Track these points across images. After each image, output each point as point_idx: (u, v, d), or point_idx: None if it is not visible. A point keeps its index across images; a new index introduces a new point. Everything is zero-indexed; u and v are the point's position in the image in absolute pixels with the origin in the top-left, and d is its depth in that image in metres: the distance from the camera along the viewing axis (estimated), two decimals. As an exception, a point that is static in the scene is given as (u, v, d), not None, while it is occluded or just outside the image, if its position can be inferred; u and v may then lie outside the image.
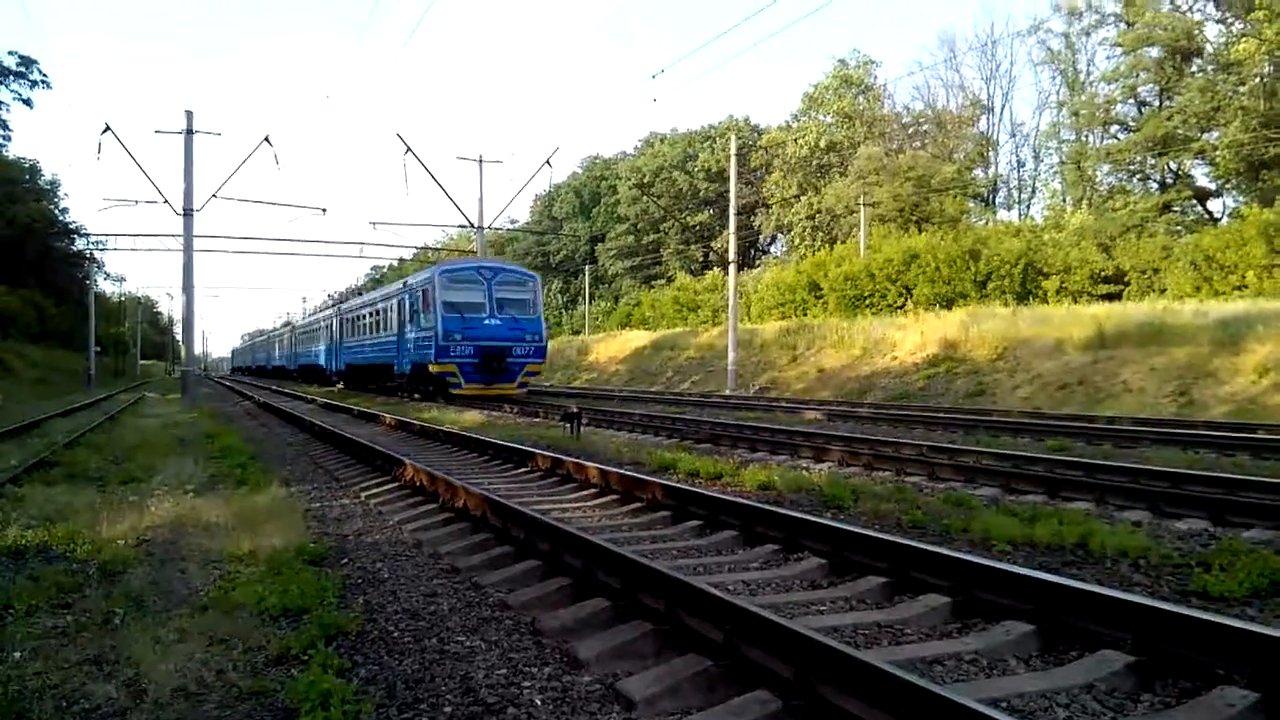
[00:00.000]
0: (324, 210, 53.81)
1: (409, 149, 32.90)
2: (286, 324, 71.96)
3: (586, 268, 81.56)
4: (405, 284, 31.15)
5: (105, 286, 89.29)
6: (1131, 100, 49.52)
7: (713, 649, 4.22)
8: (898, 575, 5.69)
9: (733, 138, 42.56)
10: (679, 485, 8.97)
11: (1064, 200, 53.33)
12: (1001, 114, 60.60)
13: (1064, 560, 6.30)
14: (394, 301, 32.06)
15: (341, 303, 49.70)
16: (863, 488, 9.32)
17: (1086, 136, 52.81)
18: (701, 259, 72.42)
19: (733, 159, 38.18)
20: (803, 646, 3.78)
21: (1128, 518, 7.59)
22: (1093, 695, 3.87)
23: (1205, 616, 4.17)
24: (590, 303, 79.77)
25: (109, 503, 8.83)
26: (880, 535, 6.26)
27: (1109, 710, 3.75)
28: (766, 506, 7.55)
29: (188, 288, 30.95)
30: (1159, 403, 20.78)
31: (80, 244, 65.11)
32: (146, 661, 4.36)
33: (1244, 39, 40.10)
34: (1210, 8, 47.00)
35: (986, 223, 54.06)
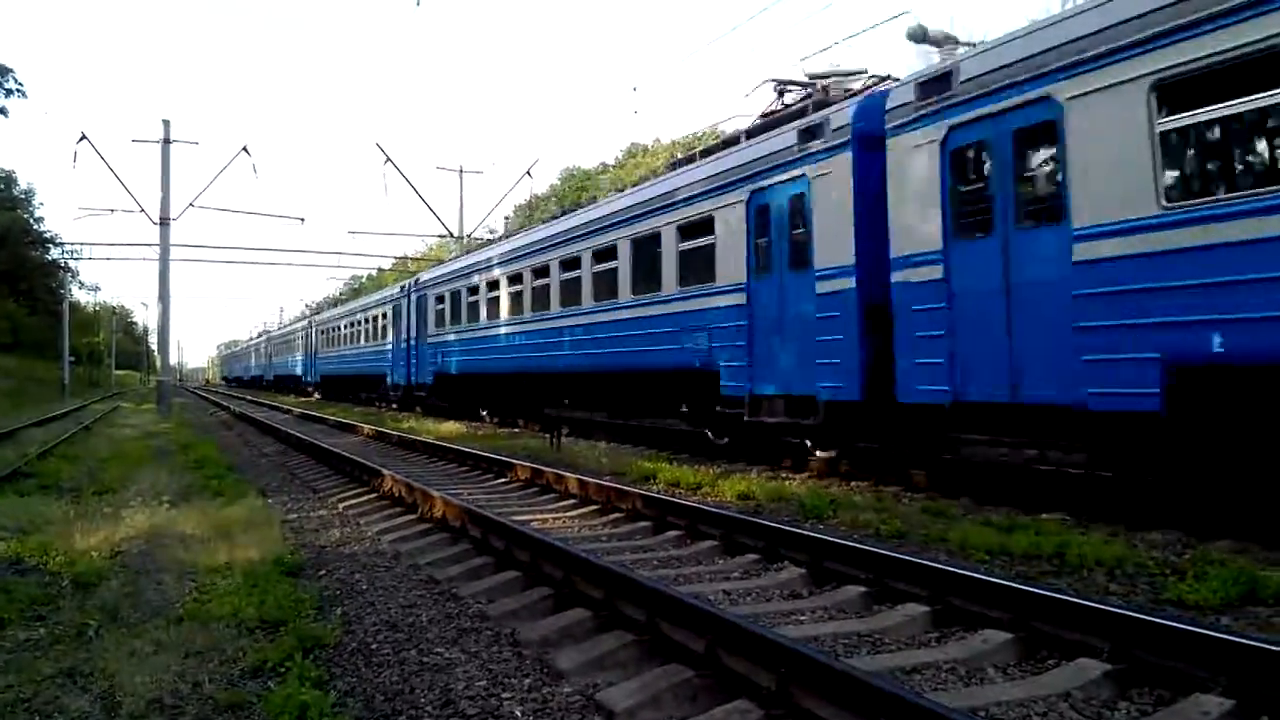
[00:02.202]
0: (302, 220, 53.66)
1: (388, 159, 32.85)
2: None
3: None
4: None
5: (80, 296, 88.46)
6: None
7: (694, 659, 4.22)
8: (877, 585, 5.72)
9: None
10: (659, 496, 8.96)
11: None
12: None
13: (1041, 569, 6.34)
14: None
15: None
16: (842, 498, 9.36)
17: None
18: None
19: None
20: (783, 656, 3.78)
21: (1103, 527, 7.64)
22: (1070, 703, 3.90)
23: (1181, 625, 4.21)
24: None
25: (83, 514, 8.73)
26: (859, 545, 6.28)
27: (1087, 718, 3.78)
28: (746, 517, 7.58)
29: (163, 297, 30.71)
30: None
31: (55, 253, 64.41)
32: (121, 674, 4.31)
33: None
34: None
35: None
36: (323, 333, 47.46)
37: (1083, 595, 5.17)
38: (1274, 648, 3.81)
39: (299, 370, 55.06)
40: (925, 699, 3.36)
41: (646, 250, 14.84)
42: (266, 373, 67.19)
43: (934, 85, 9.47)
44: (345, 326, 41.62)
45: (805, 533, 6.80)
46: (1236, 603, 5.29)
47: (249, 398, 51.87)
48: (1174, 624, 4.22)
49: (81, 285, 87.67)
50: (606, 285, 16.23)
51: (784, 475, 11.58)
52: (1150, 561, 6.37)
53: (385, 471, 10.94)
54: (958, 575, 5.33)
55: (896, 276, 9.71)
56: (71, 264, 65.87)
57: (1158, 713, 3.80)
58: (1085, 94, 7.74)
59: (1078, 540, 6.80)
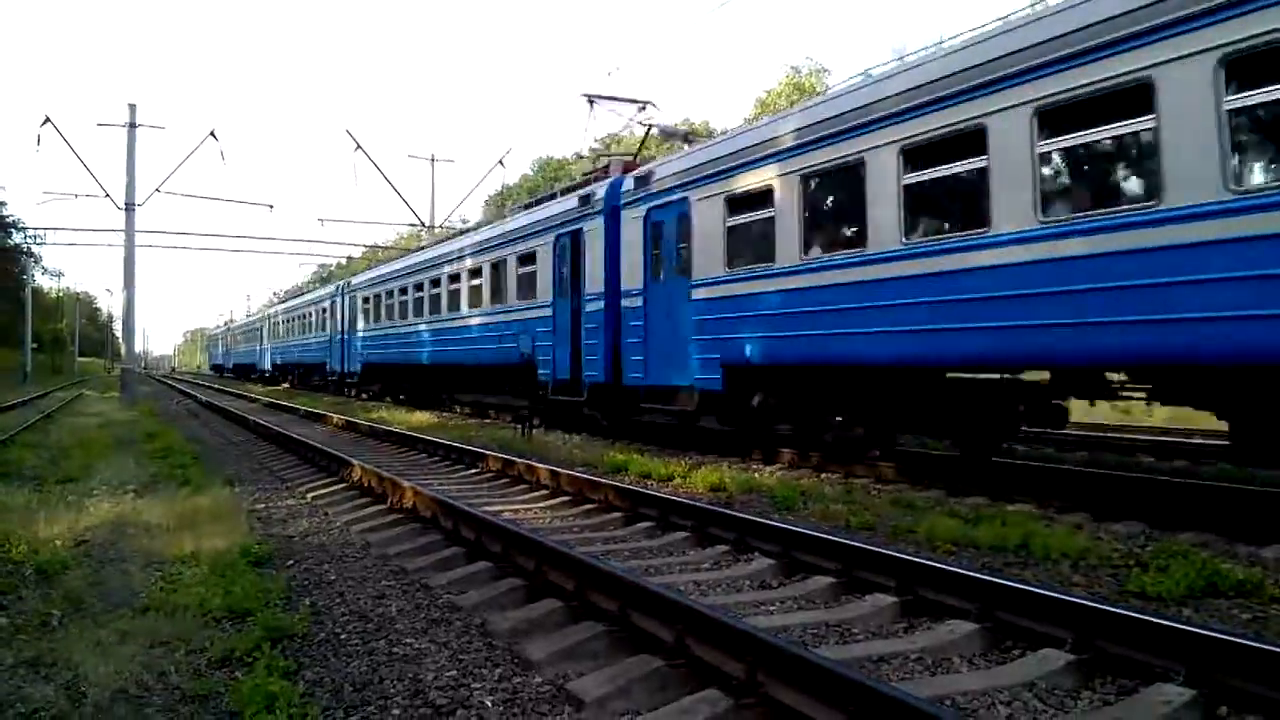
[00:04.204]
0: (271, 207, 53.15)
1: (358, 146, 32.54)
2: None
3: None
4: None
5: (43, 282, 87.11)
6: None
7: (664, 649, 4.23)
8: (846, 575, 5.77)
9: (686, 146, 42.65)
10: (631, 487, 8.98)
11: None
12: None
13: (1006, 561, 6.42)
14: None
15: None
16: (812, 489, 9.42)
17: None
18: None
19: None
20: (752, 646, 3.81)
21: (1068, 519, 7.75)
22: (1034, 693, 3.95)
23: (1143, 616, 4.28)
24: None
25: (46, 502, 8.61)
26: (829, 536, 6.33)
27: (1050, 708, 3.83)
28: (718, 508, 7.60)
29: (128, 284, 30.24)
30: (1098, 408, 21.18)
31: (17, 238, 63.27)
32: (86, 664, 4.26)
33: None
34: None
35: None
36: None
37: (1047, 586, 5.23)
38: (1234, 639, 3.88)
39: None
40: (891, 688, 3.40)
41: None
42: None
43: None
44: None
45: (775, 524, 6.83)
46: (1198, 594, 5.38)
47: (216, 386, 51.24)
48: (1136, 615, 4.29)
49: (44, 271, 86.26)
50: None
51: (755, 467, 11.63)
52: (1114, 553, 6.47)
53: (355, 461, 10.88)
54: (925, 566, 5.38)
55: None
56: (34, 249, 64.83)
57: (1119, 702, 3.86)
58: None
59: (1043, 532, 6.89)
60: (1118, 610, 4.38)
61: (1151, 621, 4.16)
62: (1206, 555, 6.05)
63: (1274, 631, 4.76)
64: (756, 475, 10.57)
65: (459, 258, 22.29)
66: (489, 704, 3.85)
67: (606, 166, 17.54)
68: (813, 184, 10.83)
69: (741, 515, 7.24)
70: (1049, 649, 4.33)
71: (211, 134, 29.69)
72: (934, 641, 4.61)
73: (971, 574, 5.15)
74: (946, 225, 9.46)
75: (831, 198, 11.07)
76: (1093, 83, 7.59)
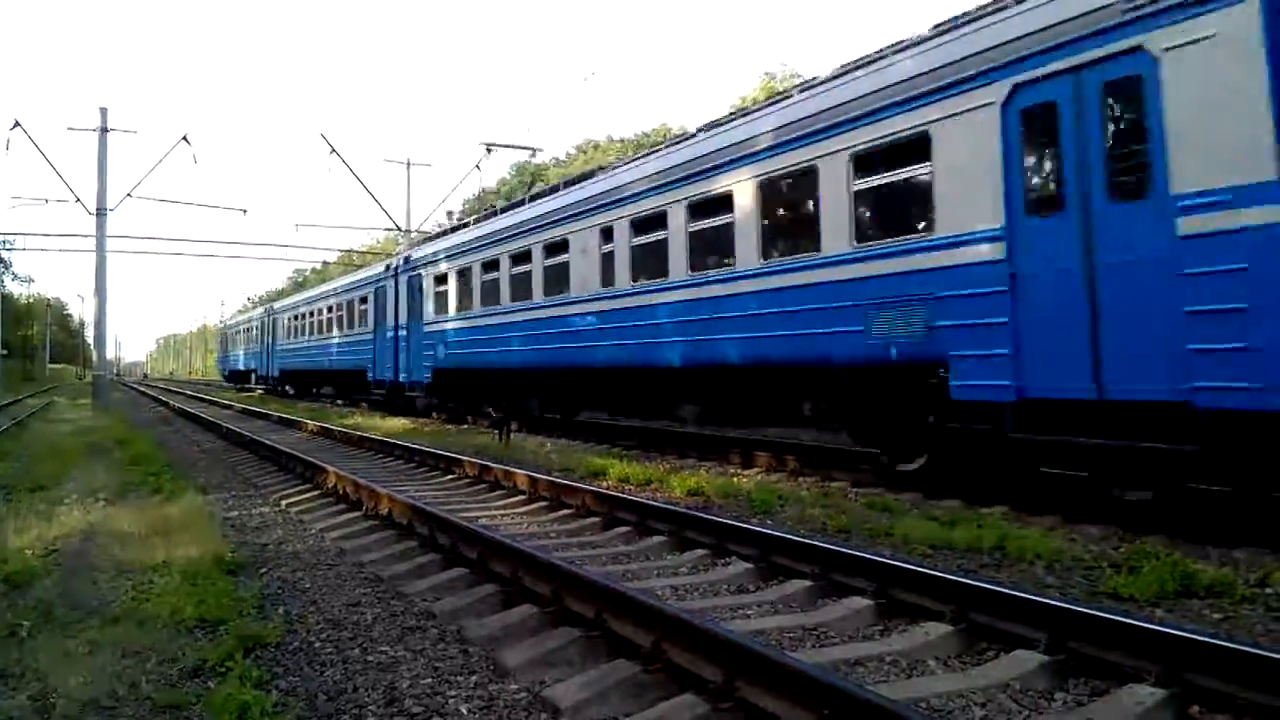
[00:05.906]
0: (245, 211, 52.74)
1: (333, 150, 32.38)
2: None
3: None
4: None
5: (13, 288, 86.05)
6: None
7: (641, 654, 4.22)
8: (823, 579, 5.77)
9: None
10: (609, 492, 8.96)
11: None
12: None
13: (981, 563, 6.46)
14: None
15: None
16: (790, 493, 9.44)
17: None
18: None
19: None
20: (729, 651, 3.81)
21: (1042, 522, 7.81)
22: (1008, 694, 3.97)
23: (1115, 617, 4.31)
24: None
25: (15, 511, 8.49)
26: (805, 540, 6.34)
27: (1024, 708, 3.86)
28: (695, 512, 7.60)
29: (100, 290, 29.93)
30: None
31: (-14, 243, 62.47)
32: (55, 674, 4.21)
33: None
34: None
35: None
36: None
37: (1021, 588, 5.27)
38: (1206, 639, 3.92)
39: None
40: (867, 691, 3.41)
41: None
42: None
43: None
44: None
45: (753, 528, 6.84)
46: (1170, 595, 5.43)
47: (189, 392, 50.71)
48: (1109, 616, 4.32)
49: (15, 277, 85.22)
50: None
51: (733, 471, 11.64)
52: (1087, 555, 6.53)
53: (330, 468, 10.79)
54: (901, 569, 5.41)
55: None
56: (4, 255, 64.04)
57: (1093, 703, 3.89)
58: None
59: (1017, 534, 6.94)
60: (1091, 611, 4.42)
61: (1124, 622, 4.20)
62: (1178, 556, 6.11)
63: (1245, 632, 4.82)
64: (734, 479, 10.59)
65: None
66: (464, 711, 3.83)
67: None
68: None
69: (719, 519, 7.25)
70: (1023, 650, 4.36)
71: (184, 138, 29.48)
72: (910, 644, 4.63)
73: (947, 576, 5.18)
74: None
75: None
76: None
